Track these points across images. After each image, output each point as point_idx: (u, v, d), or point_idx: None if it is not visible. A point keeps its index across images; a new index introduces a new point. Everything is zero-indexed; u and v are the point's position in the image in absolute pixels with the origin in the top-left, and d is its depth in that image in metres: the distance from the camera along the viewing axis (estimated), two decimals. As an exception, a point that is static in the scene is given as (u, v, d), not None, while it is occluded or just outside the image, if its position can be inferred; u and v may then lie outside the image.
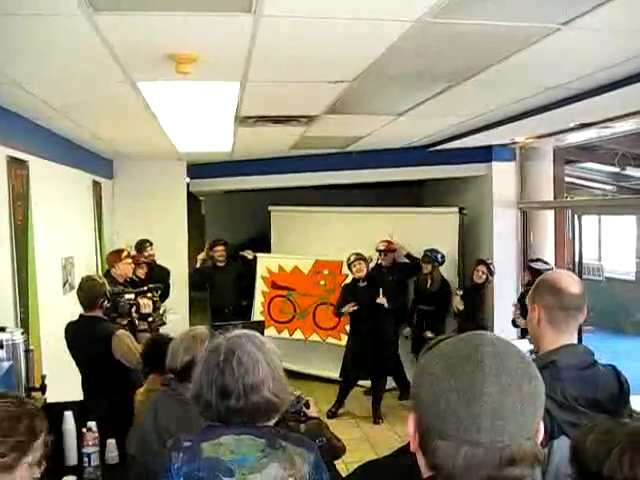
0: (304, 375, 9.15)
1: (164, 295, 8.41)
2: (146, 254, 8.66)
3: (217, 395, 2.28)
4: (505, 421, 1.15)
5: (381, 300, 8.04)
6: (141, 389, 4.06)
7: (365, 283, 8.28)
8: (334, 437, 3.48)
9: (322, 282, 9.56)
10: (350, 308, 8.19)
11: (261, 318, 9.49)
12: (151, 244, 8.87)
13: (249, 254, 9.82)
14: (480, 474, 1.16)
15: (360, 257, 8.32)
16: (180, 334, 3.51)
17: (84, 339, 4.90)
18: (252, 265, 9.90)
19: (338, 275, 9.32)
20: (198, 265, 9.58)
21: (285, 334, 9.57)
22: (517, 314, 7.25)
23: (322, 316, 9.55)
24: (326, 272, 9.53)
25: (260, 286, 9.96)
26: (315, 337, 9.61)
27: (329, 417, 7.99)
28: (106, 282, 5.16)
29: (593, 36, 3.46)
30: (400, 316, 8.87)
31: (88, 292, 4.95)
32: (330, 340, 9.45)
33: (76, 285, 6.55)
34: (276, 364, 2.37)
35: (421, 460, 1.26)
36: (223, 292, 9.40)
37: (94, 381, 4.99)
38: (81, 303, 4.99)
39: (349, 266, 8.38)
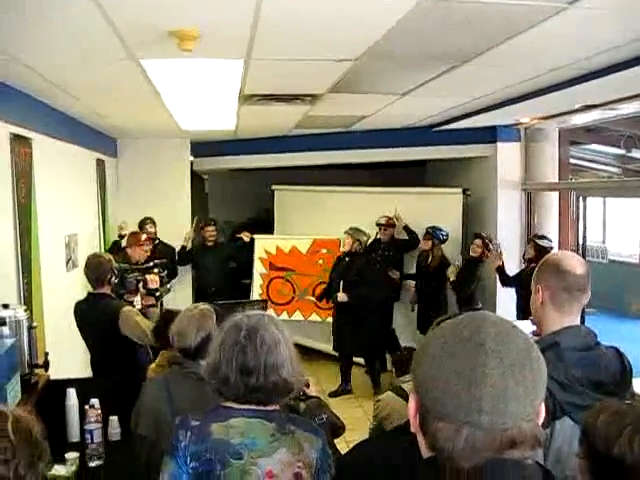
0: (307, 350, 9.15)
1: (172, 274, 8.52)
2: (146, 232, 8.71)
3: (237, 372, 2.28)
4: (507, 403, 1.14)
5: (341, 297, 8.19)
6: (152, 365, 4.07)
7: (347, 259, 8.41)
8: (334, 416, 3.50)
9: (320, 261, 9.56)
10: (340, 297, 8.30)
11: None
12: (153, 222, 8.90)
13: (246, 236, 9.76)
14: (480, 456, 1.16)
15: (350, 233, 8.41)
16: (181, 314, 3.51)
17: (92, 317, 4.93)
18: (248, 247, 9.83)
19: (337, 253, 9.29)
20: (185, 243, 9.46)
21: (284, 316, 9.47)
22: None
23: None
24: (324, 251, 9.52)
25: (258, 268, 9.93)
26: (315, 317, 9.60)
27: (331, 396, 8.03)
28: (112, 259, 5.18)
29: (599, 16, 3.42)
30: (395, 293, 9.00)
31: (95, 269, 4.97)
32: (330, 320, 9.42)
33: (79, 262, 6.61)
34: (292, 345, 2.40)
35: (421, 441, 1.26)
36: (208, 272, 9.39)
37: (103, 358, 5.02)
38: (89, 280, 5.03)
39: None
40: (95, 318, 4.90)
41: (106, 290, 4.98)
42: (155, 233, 8.93)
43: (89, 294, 5.06)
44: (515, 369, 1.16)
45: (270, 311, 8.60)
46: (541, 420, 1.23)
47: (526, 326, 3.07)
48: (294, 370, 2.35)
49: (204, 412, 2.36)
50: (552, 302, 2.44)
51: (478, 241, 8.25)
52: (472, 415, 1.14)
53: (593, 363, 2.35)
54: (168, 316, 4.28)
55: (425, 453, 1.26)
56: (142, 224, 8.76)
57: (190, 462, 2.24)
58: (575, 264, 2.46)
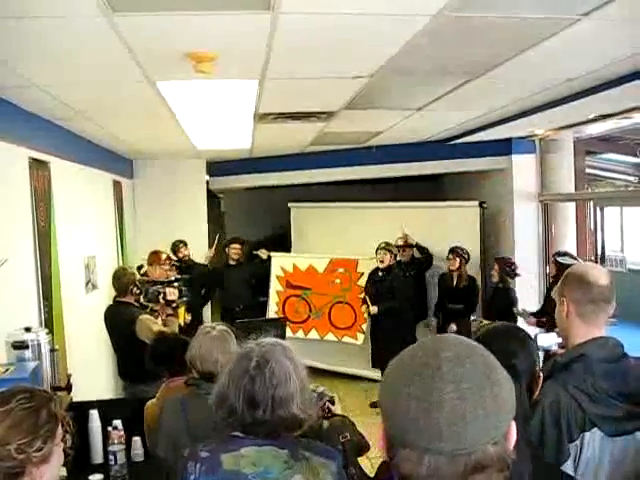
0: (326, 372, 9.12)
1: (207, 296, 8.90)
2: (180, 255, 8.76)
3: (244, 403, 2.21)
4: (467, 428, 1.12)
5: (372, 309, 8.24)
6: (153, 400, 4.03)
7: (381, 274, 8.37)
8: (358, 434, 3.47)
9: (337, 281, 9.51)
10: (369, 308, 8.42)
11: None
12: (185, 244, 9.03)
13: (263, 253, 9.78)
14: None
15: (387, 247, 8.39)
16: (199, 336, 3.48)
17: (114, 321, 5.67)
18: (266, 264, 9.85)
19: (353, 273, 9.28)
20: (205, 262, 9.53)
21: (300, 334, 9.49)
22: (532, 322, 7.22)
23: (338, 315, 9.48)
24: (341, 270, 9.47)
25: (275, 286, 9.91)
26: (331, 337, 9.53)
27: (372, 406, 8.06)
28: (136, 273, 6.00)
29: (613, 26, 3.42)
30: (419, 312, 8.92)
31: (119, 280, 5.73)
32: (346, 339, 9.40)
33: (98, 284, 6.70)
34: (304, 377, 2.31)
35: (392, 470, 1.24)
36: (234, 291, 9.36)
37: (124, 359, 5.75)
38: (115, 290, 5.76)
39: (376, 251, 8.44)
40: (117, 322, 5.62)
41: (129, 299, 5.65)
42: (188, 255, 9.06)
43: (114, 301, 5.77)
44: (473, 392, 1.14)
45: (288, 330, 8.58)
46: (512, 442, 1.20)
47: (551, 339, 3.05)
48: (305, 403, 2.26)
49: (214, 442, 2.29)
50: (577, 314, 2.42)
51: (495, 265, 8.15)
52: (433, 442, 1.12)
53: (621, 374, 2.32)
54: (164, 339, 4.35)
55: None
56: (175, 247, 8.89)
57: None
58: (599, 275, 2.44)
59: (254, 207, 12.59)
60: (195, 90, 4.56)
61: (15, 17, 2.85)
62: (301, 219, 10.73)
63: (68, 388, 4.19)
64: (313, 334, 9.57)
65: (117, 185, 8.30)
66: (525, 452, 1.63)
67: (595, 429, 2.24)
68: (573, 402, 2.24)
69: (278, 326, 6.92)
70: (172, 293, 5.88)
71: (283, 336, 6.46)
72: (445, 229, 9.04)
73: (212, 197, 11.10)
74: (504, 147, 9.17)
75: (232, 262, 9.46)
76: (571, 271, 2.57)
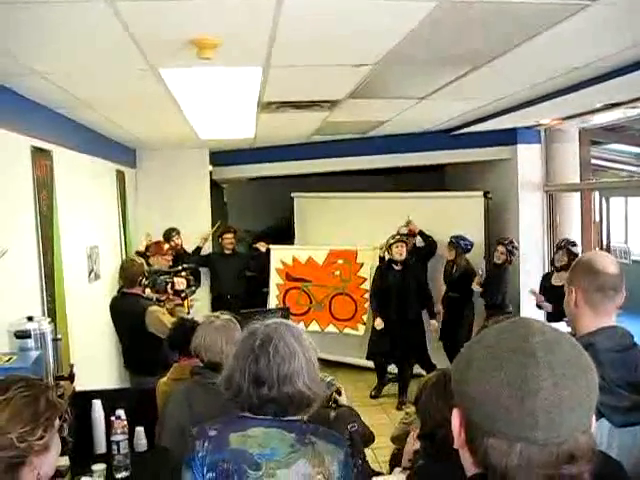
0: (328, 362, 9.12)
1: (196, 282, 8.63)
2: (173, 244, 8.73)
3: (250, 382, 2.24)
4: (562, 416, 1.08)
5: (436, 325, 8.36)
6: (164, 379, 4.03)
7: (400, 267, 8.26)
8: (364, 425, 3.47)
9: (337, 272, 9.50)
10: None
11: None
12: (178, 233, 9.01)
13: (262, 246, 9.75)
14: (536, 472, 1.10)
15: (402, 239, 8.32)
16: (204, 326, 3.47)
17: (123, 313, 5.73)
18: (264, 257, 9.80)
19: (353, 264, 9.26)
20: (200, 244, 9.51)
21: (301, 326, 9.41)
22: (541, 299, 7.19)
23: (338, 307, 9.49)
24: (341, 261, 9.45)
25: (275, 279, 9.89)
26: (332, 328, 9.54)
27: (373, 397, 8.34)
28: (144, 263, 5.99)
29: (622, 12, 3.37)
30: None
31: (128, 271, 5.81)
32: (347, 331, 9.41)
33: (101, 274, 6.68)
34: (311, 357, 2.32)
35: (467, 457, 1.21)
36: (226, 280, 9.37)
37: (131, 350, 5.84)
38: (123, 281, 5.85)
39: (389, 247, 8.34)
40: (125, 314, 5.68)
41: (137, 290, 5.73)
42: (181, 244, 9.03)
43: (122, 293, 5.85)
44: (568, 379, 1.10)
45: (292, 319, 8.57)
46: (592, 430, 1.16)
47: (561, 328, 3.02)
48: (312, 382, 2.28)
49: (222, 422, 2.32)
50: (586, 303, 2.40)
51: (501, 247, 8.17)
52: (526, 431, 1.08)
53: (630, 364, 2.30)
54: (182, 323, 4.32)
55: (471, 470, 1.20)
56: (168, 235, 8.86)
57: (207, 473, 2.20)
58: (608, 264, 2.42)
59: (257, 197, 12.56)
60: (199, 78, 4.52)
61: (16, 2, 2.82)
62: (304, 209, 10.70)
63: (71, 377, 4.18)
64: (314, 326, 9.55)
65: (120, 175, 8.28)
66: None
67: (603, 419, 2.21)
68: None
69: (283, 315, 6.90)
70: (180, 283, 5.95)
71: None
72: (449, 220, 8.98)
73: (215, 187, 11.06)
74: (509, 137, 9.13)
75: (227, 251, 9.47)
76: (580, 259, 2.56)
